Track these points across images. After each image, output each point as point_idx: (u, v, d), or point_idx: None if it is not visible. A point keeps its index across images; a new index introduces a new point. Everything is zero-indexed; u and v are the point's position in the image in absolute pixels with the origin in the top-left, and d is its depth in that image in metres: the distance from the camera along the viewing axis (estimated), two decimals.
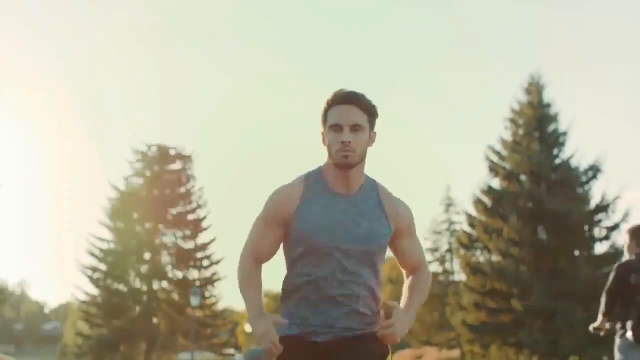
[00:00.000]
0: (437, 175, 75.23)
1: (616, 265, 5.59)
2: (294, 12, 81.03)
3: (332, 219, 2.55)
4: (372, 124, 2.59)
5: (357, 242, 2.54)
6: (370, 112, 2.57)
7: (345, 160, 2.51)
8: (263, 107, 76.81)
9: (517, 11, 72.09)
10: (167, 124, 73.88)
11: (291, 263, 2.61)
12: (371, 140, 2.60)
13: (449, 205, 39.98)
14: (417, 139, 74.70)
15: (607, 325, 5.49)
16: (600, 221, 25.18)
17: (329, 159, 2.58)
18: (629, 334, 5.31)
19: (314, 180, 2.61)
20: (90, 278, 30.42)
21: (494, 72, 72.12)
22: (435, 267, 41.54)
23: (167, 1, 77.70)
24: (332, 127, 2.54)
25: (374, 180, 2.67)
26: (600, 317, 5.51)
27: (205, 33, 78.81)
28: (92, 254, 30.54)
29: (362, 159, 2.57)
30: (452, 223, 40.28)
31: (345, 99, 2.54)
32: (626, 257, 5.62)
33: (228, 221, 76.42)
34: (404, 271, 2.79)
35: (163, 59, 76.20)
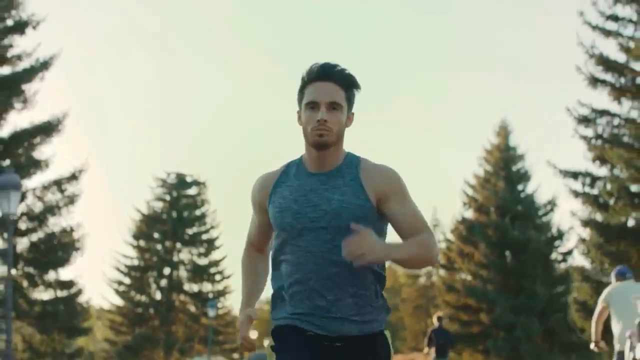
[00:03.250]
0: (437, 176, 75.39)
1: (430, 329, 12.63)
2: (295, 18, 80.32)
3: (300, 199, 2.36)
4: (350, 102, 2.40)
5: (326, 218, 2.31)
6: (349, 86, 2.38)
7: (321, 139, 2.32)
8: (266, 115, 76.62)
9: (518, 16, 72.15)
10: (169, 129, 74.77)
11: (274, 253, 2.46)
12: (349, 120, 2.41)
13: (435, 225, 43.82)
14: (418, 145, 74.53)
15: (430, 352, 12.57)
16: (557, 247, 28.46)
17: (305, 139, 2.39)
18: (433, 355, 13.34)
19: (291, 166, 2.46)
20: (116, 290, 33.70)
21: (495, 75, 71.83)
22: (423, 281, 45.50)
23: (169, 6, 78.05)
24: (308, 105, 2.34)
25: (358, 157, 2.44)
26: (426, 348, 13.39)
27: (207, 38, 79.04)
28: (118, 269, 33.90)
29: (339, 139, 2.37)
30: (437, 242, 43.97)
31: (322, 75, 2.35)
32: (436, 325, 13.00)
33: (237, 240, 78.06)
34: None
35: (163, 63, 76.22)
